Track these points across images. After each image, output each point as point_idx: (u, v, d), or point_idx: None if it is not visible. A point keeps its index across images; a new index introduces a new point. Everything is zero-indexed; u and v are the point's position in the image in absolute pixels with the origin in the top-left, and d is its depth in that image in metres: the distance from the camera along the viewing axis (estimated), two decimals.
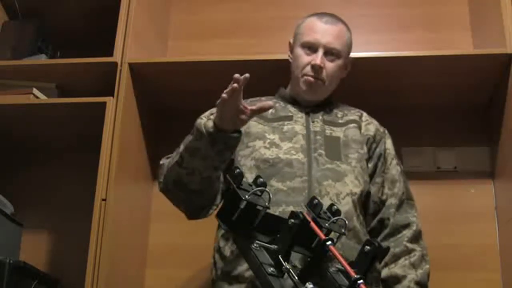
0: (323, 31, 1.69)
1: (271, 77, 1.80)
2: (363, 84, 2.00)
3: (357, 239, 1.53)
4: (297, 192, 1.53)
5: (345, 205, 1.54)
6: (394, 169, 1.69)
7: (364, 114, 1.76)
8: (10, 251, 2.00)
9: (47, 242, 2.19)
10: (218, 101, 1.43)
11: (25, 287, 1.85)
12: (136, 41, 2.04)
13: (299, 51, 1.71)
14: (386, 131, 1.76)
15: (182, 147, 1.55)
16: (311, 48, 1.69)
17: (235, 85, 1.38)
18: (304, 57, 1.69)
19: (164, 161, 1.66)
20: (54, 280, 2.04)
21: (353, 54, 1.91)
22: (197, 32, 2.41)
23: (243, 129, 1.53)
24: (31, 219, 2.18)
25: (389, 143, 1.73)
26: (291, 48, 1.77)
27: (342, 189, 1.56)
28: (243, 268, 1.49)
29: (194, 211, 1.64)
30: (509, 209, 1.91)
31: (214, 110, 1.48)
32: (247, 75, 1.38)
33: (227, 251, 1.56)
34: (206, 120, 1.49)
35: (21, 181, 2.26)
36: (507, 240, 1.93)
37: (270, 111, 1.68)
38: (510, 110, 1.88)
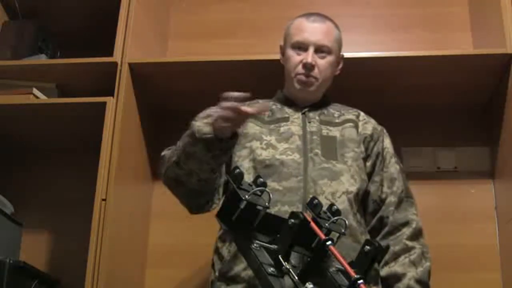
0: (311, 29, 1.71)
1: (271, 77, 1.80)
2: (363, 84, 2.00)
3: (354, 238, 1.53)
4: (292, 191, 1.54)
5: (341, 204, 1.53)
6: (393, 167, 1.68)
7: (362, 113, 1.76)
8: (10, 251, 2.00)
9: (47, 242, 2.19)
10: (215, 112, 1.41)
11: (25, 287, 1.85)
12: (136, 41, 2.04)
13: (290, 52, 1.72)
14: (384, 130, 1.76)
15: (180, 146, 1.54)
16: (302, 47, 1.70)
17: (245, 109, 1.37)
18: (295, 57, 1.70)
19: (165, 153, 1.65)
20: (54, 280, 2.04)
21: (353, 54, 1.91)
22: (197, 32, 2.41)
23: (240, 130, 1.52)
24: (31, 219, 2.18)
25: (387, 142, 1.73)
26: (282, 51, 1.78)
27: (338, 188, 1.57)
28: (239, 268, 1.50)
29: (196, 207, 1.63)
30: (509, 209, 1.91)
31: (210, 111, 1.45)
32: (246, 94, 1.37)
33: (224, 252, 1.57)
34: (203, 124, 1.45)
35: (21, 181, 2.26)
36: (507, 240, 1.93)
37: (267, 113, 1.69)
38: (510, 110, 1.88)
